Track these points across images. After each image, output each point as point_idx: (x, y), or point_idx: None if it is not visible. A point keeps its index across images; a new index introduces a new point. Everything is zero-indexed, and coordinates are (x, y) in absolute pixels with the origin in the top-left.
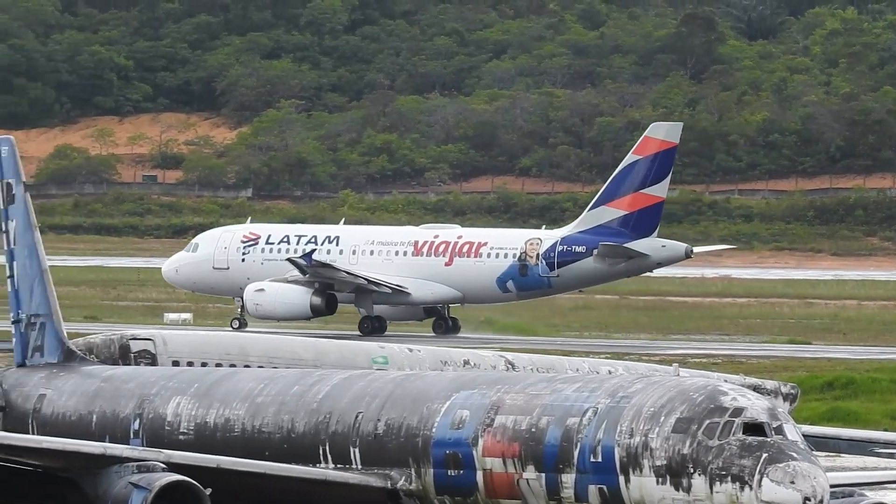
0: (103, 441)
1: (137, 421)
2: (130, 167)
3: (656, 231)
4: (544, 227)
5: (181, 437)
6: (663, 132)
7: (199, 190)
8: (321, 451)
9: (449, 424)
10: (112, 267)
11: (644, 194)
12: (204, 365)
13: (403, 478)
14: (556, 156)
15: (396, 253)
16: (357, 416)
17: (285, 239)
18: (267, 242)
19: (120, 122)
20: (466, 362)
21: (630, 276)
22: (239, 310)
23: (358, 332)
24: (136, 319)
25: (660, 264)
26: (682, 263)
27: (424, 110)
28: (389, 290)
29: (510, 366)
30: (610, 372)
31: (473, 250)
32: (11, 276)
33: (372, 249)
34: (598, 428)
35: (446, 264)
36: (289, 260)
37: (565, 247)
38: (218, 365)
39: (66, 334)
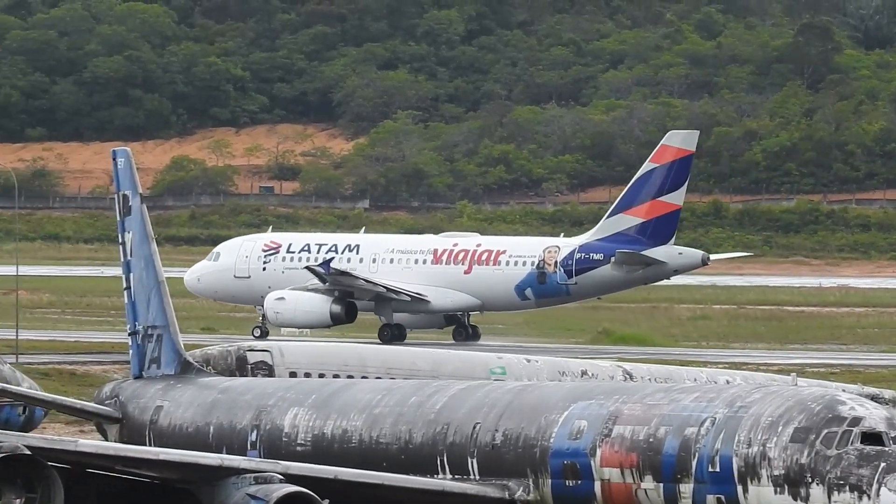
0: (220, 452)
1: (255, 432)
2: (247, 178)
3: (673, 238)
4: (563, 234)
5: (298, 448)
6: (680, 140)
7: (315, 201)
8: (439, 462)
9: (567, 435)
10: None
11: (661, 202)
12: (321, 376)
13: (521, 488)
14: None
15: (416, 261)
16: (475, 427)
17: (306, 248)
18: (288, 251)
19: (236, 134)
20: (584, 373)
21: (647, 284)
22: (261, 318)
23: (378, 340)
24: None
25: (677, 272)
26: (798, 273)
27: (541, 121)
28: (408, 298)
29: (628, 376)
30: (728, 382)
31: (492, 258)
32: (128, 288)
33: (392, 258)
34: (716, 438)
35: (465, 272)
36: (307, 268)
37: (583, 254)
38: (335, 376)
39: (182, 346)
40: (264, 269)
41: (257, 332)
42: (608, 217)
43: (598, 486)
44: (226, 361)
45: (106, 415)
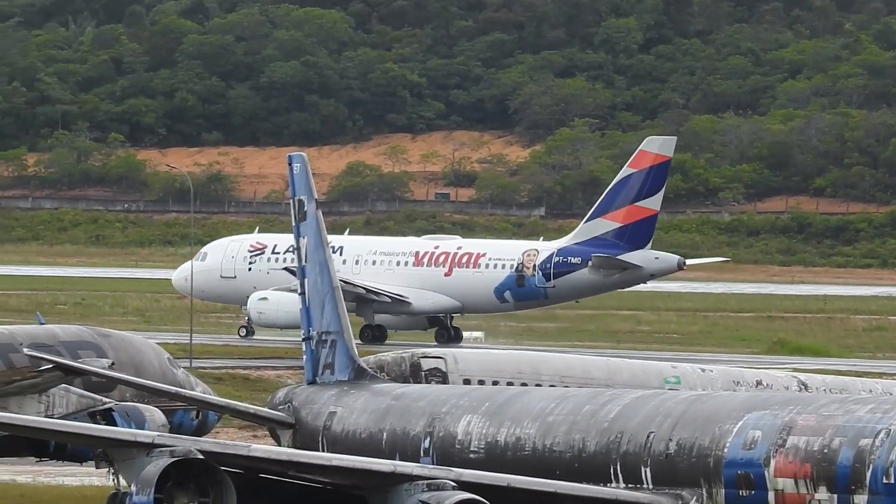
0: (393, 459)
1: (428, 439)
2: (423, 185)
3: (650, 243)
4: (542, 238)
5: (471, 455)
6: (657, 146)
7: (491, 208)
8: (612, 471)
9: (741, 445)
10: None
11: (638, 207)
12: (495, 383)
13: (695, 498)
14: (851, 176)
15: (398, 263)
16: (649, 436)
17: (291, 249)
18: (273, 252)
19: (413, 140)
20: (759, 382)
21: (624, 288)
22: (246, 319)
23: (359, 341)
24: (427, 338)
25: (653, 276)
26: None
27: (718, 130)
28: (389, 300)
29: (803, 387)
30: None
31: (472, 261)
32: (303, 293)
33: (374, 259)
34: (891, 449)
35: (446, 274)
36: (286, 269)
37: (561, 258)
38: (509, 383)
39: (356, 352)
40: (250, 269)
41: (243, 332)
42: (586, 221)
43: (771, 496)
44: (399, 368)
45: (279, 420)
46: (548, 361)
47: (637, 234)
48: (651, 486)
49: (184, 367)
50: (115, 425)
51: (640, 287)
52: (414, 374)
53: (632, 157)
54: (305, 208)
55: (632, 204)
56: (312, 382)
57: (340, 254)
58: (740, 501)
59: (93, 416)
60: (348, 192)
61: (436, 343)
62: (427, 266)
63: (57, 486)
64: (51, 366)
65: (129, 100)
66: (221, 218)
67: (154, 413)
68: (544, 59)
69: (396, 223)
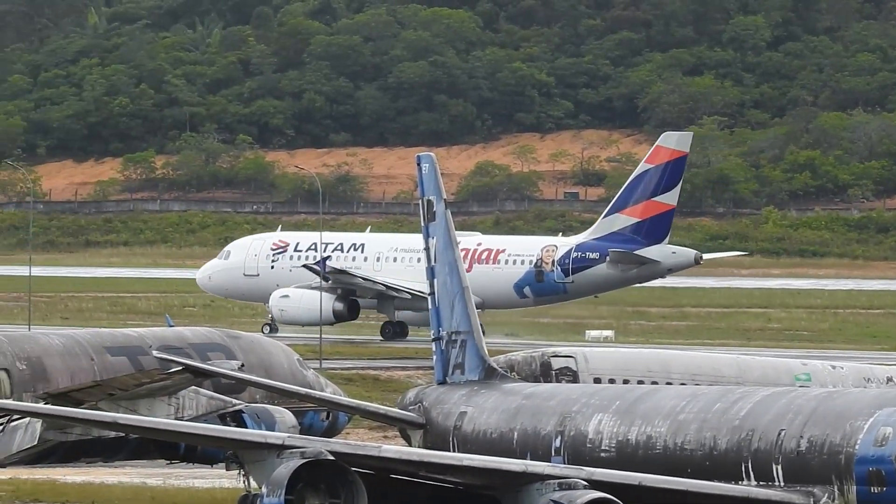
0: (524, 458)
1: (559, 438)
2: (552, 184)
3: (668, 238)
4: (561, 234)
5: (602, 454)
6: (674, 141)
7: None
8: (743, 469)
9: (872, 441)
10: None
11: (656, 202)
12: (625, 382)
13: (826, 495)
14: None
15: (419, 260)
16: (780, 434)
17: (313, 247)
18: (295, 250)
19: (541, 139)
20: (890, 379)
21: (642, 283)
22: (270, 316)
23: (380, 338)
24: (557, 336)
25: (671, 270)
26: None
27: (847, 126)
28: (409, 296)
29: None
30: None
31: (492, 257)
32: (432, 294)
33: (395, 256)
34: None
35: (466, 270)
36: (305, 266)
37: (580, 253)
38: (640, 382)
39: (486, 351)
40: (272, 267)
41: (266, 329)
42: (604, 217)
43: None
44: (530, 367)
45: (410, 420)
46: (678, 359)
47: (655, 229)
48: (782, 484)
49: (313, 368)
50: (246, 427)
51: (770, 284)
52: (544, 373)
53: (648, 152)
54: (434, 208)
55: (649, 199)
56: (443, 382)
57: (362, 251)
58: (872, 498)
59: (223, 418)
60: (477, 192)
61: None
62: None
63: (187, 488)
64: (180, 368)
65: (257, 101)
66: (350, 219)
67: (284, 414)
68: (672, 58)
69: (525, 223)
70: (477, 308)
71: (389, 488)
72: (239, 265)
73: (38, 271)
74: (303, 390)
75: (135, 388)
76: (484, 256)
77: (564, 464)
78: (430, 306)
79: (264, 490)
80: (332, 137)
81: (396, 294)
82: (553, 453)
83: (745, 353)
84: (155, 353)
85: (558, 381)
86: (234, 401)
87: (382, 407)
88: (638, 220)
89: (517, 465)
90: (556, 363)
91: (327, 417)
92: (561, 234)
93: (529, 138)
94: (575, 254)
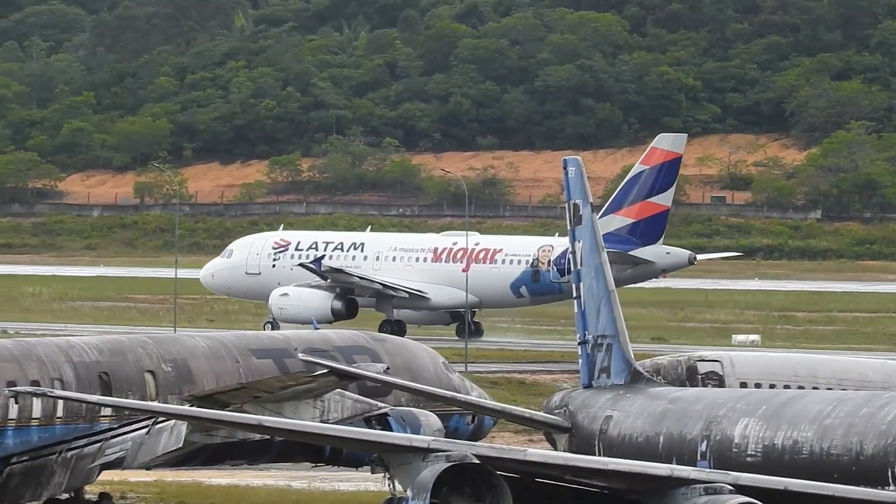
0: (670, 463)
1: (704, 443)
2: (699, 188)
3: (662, 238)
4: (557, 234)
5: (748, 458)
6: (669, 143)
7: (767, 211)
8: (890, 474)
9: None
10: (679, 288)
11: (651, 203)
12: (772, 386)
13: None
14: None
15: (417, 259)
16: None
17: (314, 246)
18: (296, 249)
19: (688, 143)
20: None
21: (637, 283)
22: (271, 314)
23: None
24: (703, 341)
25: (665, 271)
26: None
27: None
28: (407, 295)
29: None
30: None
31: (489, 256)
32: (578, 297)
33: (394, 255)
34: None
35: (463, 270)
36: (301, 265)
37: None
38: (786, 386)
39: (632, 355)
40: (274, 266)
41: (269, 328)
42: (599, 217)
43: None
44: (676, 371)
45: (555, 424)
46: (824, 364)
47: (649, 230)
48: None
49: (459, 372)
50: (391, 430)
51: None
52: (690, 377)
53: (644, 153)
54: (581, 212)
55: (644, 200)
56: (588, 386)
57: (361, 250)
58: None
59: (368, 421)
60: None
61: (457, 337)
62: (445, 262)
63: (332, 491)
64: (325, 371)
65: (403, 104)
66: (496, 222)
67: (430, 418)
68: (820, 62)
69: (672, 227)
70: (475, 308)
71: (534, 492)
72: (241, 264)
73: (183, 273)
74: (448, 393)
75: (280, 390)
76: (481, 256)
77: (710, 468)
78: (575, 310)
79: (409, 493)
80: (478, 141)
81: (394, 293)
82: (699, 457)
83: (893, 357)
84: (300, 355)
85: (704, 385)
86: (380, 404)
87: (528, 410)
88: (633, 221)
89: (663, 470)
90: (703, 367)
91: (473, 421)
92: (557, 234)
93: None
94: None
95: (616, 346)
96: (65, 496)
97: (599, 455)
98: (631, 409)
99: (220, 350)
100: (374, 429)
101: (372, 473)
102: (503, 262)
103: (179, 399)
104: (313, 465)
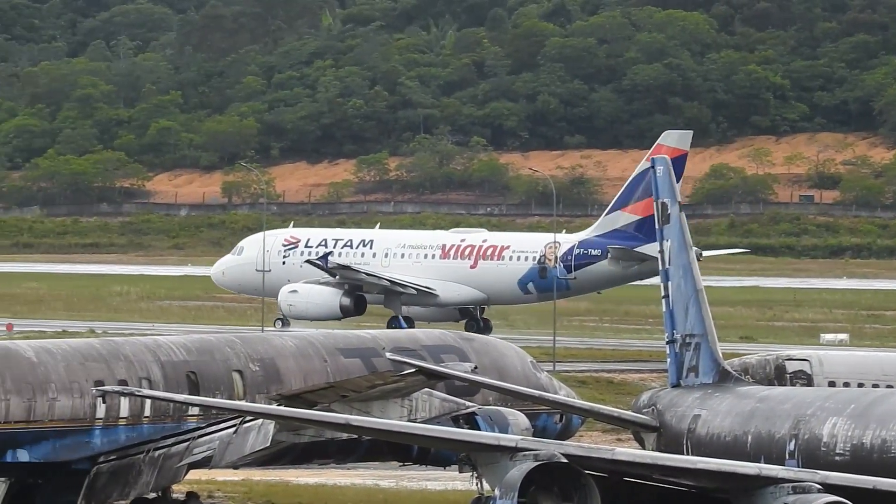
0: (758, 462)
1: (793, 442)
2: (786, 187)
3: None
4: (564, 231)
5: (836, 457)
6: (674, 140)
7: (856, 210)
8: None
9: None
10: (768, 287)
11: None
12: (860, 385)
13: None
14: None
15: (425, 256)
16: None
17: (323, 243)
18: (306, 246)
19: (776, 142)
20: None
21: (643, 279)
22: (281, 311)
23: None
24: (791, 340)
25: None
26: None
27: None
28: (415, 291)
29: None
30: None
31: (496, 253)
32: (666, 296)
33: (403, 253)
34: None
35: (471, 267)
36: (308, 262)
37: (582, 250)
38: (875, 385)
39: (720, 355)
40: (284, 262)
41: (279, 324)
42: (607, 214)
43: None
44: (764, 370)
45: (643, 423)
46: None
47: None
48: None
49: (547, 371)
50: (479, 429)
51: None
52: (778, 376)
53: (650, 150)
54: (669, 211)
55: (651, 197)
56: (676, 385)
57: (370, 247)
58: None
59: (456, 421)
60: (712, 195)
61: None
62: (453, 259)
63: (420, 490)
64: (413, 370)
65: (491, 103)
66: (584, 221)
67: (518, 417)
68: None
69: (760, 225)
70: (483, 304)
71: (622, 491)
72: (251, 261)
73: None
74: (536, 392)
75: (368, 389)
76: (489, 253)
77: (798, 467)
78: (663, 309)
79: (497, 492)
80: (566, 139)
81: (402, 290)
82: (787, 457)
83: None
84: (388, 354)
85: (792, 384)
86: (468, 403)
87: (616, 409)
88: (640, 218)
89: (751, 469)
90: (791, 366)
91: (561, 420)
92: (564, 230)
93: (764, 141)
94: (577, 250)
95: (704, 345)
96: (152, 495)
97: (687, 454)
98: (719, 409)
99: (307, 349)
100: (462, 428)
101: (460, 473)
102: (510, 258)
103: (267, 398)
104: (401, 464)
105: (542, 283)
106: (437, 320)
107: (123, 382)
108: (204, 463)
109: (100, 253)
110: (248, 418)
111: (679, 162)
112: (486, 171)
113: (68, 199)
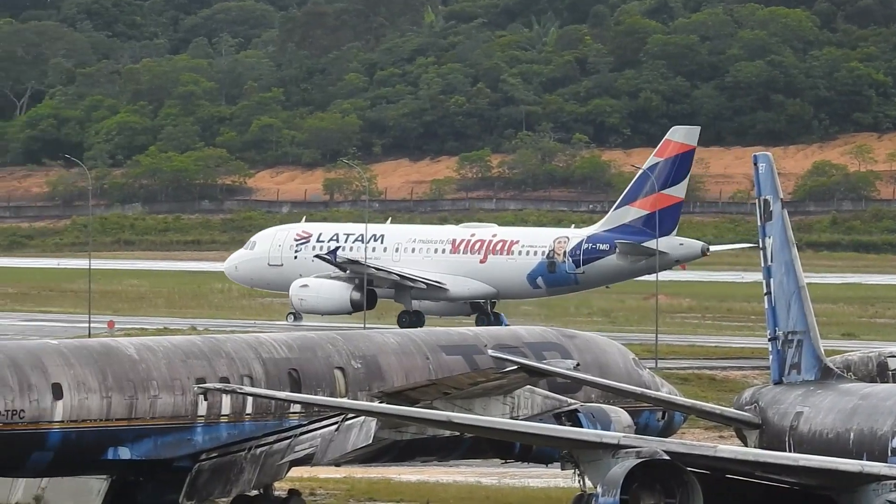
0: (861, 459)
1: (895, 438)
2: (889, 184)
3: (676, 229)
4: (573, 226)
5: None
6: (682, 135)
7: None
8: None
9: None
10: (870, 284)
11: (664, 195)
12: None
13: None
14: None
15: (435, 251)
16: None
17: (335, 237)
18: (318, 240)
19: (878, 139)
20: None
21: (651, 273)
22: (293, 305)
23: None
24: (893, 337)
25: (678, 261)
26: None
27: None
28: (425, 286)
29: None
30: None
31: (506, 248)
32: (768, 293)
33: (413, 247)
34: None
35: (481, 261)
36: (317, 257)
37: (591, 245)
38: None
39: (823, 351)
40: (295, 257)
41: (291, 318)
42: (615, 209)
43: None
44: (866, 367)
45: (745, 420)
46: None
47: (663, 221)
48: None
49: (649, 368)
50: (581, 427)
51: None
52: (881, 373)
53: (658, 146)
54: (771, 208)
55: (658, 192)
56: (779, 382)
57: (381, 242)
58: None
59: (558, 418)
60: (814, 192)
61: None
62: (463, 253)
63: (522, 487)
64: (515, 367)
65: (593, 100)
66: (687, 218)
67: (620, 414)
68: None
69: (863, 223)
70: (492, 299)
71: (724, 488)
72: (264, 255)
73: None
74: (638, 390)
75: (470, 387)
76: (498, 247)
77: None
78: (766, 306)
79: (599, 489)
80: None
81: (412, 284)
82: (890, 454)
83: None
84: (490, 352)
85: (895, 381)
86: (570, 400)
87: (718, 407)
88: (648, 213)
89: (853, 466)
90: (893, 363)
91: (663, 417)
92: (573, 225)
93: (867, 138)
94: (586, 245)
95: (807, 343)
96: (254, 493)
97: (790, 451)
98: (821, 406)
99: (409, 346)
100: (565, 425)
101: (562, 470)
102: (520, 253)
103: (369, 395)
104: (503, 461)
105: (551, 277)
106: (448, 314)
107: (225, 380)
108: (306, 460)
109: (201, 250)
110: (350, 415)
111: (686, 157)
112: (587, 168)
113: (170, 197)
